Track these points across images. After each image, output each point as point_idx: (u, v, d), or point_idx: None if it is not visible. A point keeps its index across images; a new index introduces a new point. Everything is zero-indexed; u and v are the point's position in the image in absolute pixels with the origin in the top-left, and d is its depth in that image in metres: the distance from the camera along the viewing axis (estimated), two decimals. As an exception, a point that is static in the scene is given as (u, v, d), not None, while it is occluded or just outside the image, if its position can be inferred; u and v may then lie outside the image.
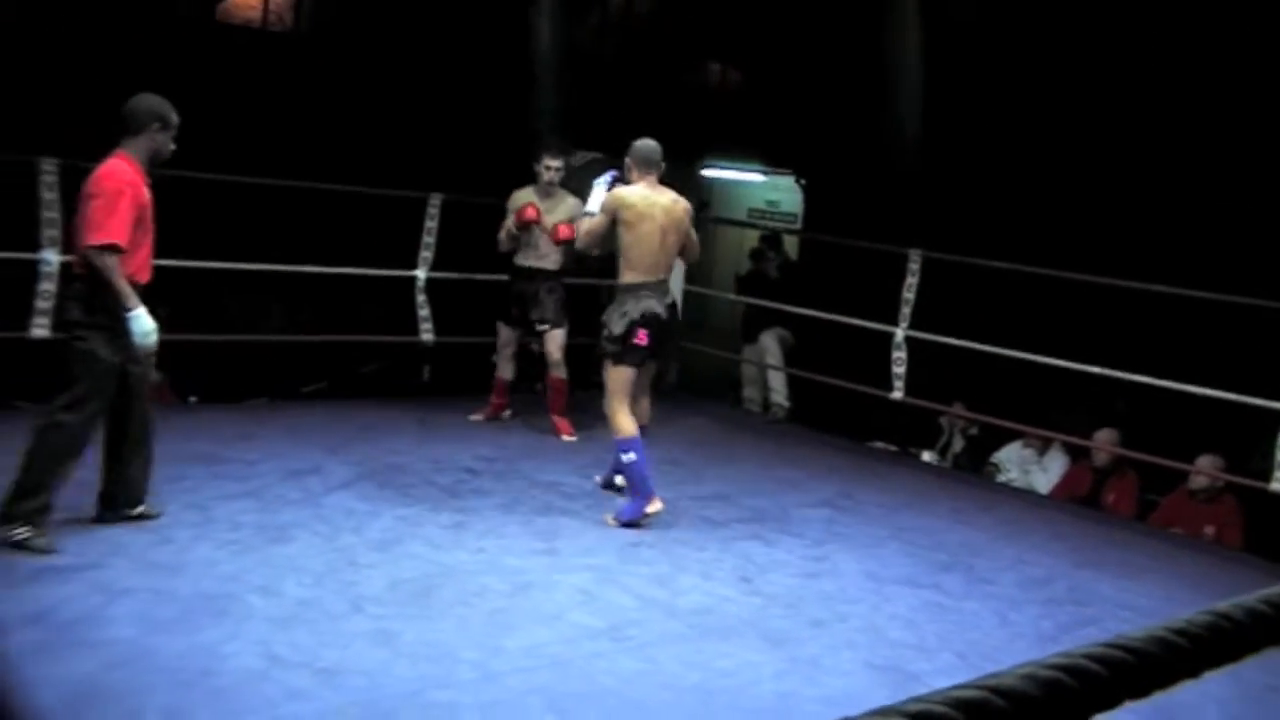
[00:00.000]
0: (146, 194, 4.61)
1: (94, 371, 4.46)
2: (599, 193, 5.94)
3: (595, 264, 7.43)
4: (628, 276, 5.71)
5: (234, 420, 6.86)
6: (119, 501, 4.78)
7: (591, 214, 5.91)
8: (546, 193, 7.22)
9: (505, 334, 7.35)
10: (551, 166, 7.23)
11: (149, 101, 4.66)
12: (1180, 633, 0.74)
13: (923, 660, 4.33)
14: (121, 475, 4.76)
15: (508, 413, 7.53)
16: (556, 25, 9.31)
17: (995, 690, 0.65)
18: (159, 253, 7.09)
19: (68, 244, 6.47)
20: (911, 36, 9.10)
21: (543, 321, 7.25)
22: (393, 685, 3.65)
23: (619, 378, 5.64)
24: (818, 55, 10.80)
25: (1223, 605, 0.82)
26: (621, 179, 5.96)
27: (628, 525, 5.50)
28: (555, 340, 7.25)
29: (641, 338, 5.64)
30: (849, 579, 5.17)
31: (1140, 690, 0.72)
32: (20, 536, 4.32)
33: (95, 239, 4.40)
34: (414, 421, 7.23)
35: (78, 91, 9.07)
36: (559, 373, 7.27)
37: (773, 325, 9.63)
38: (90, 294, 4.44)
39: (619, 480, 5.93)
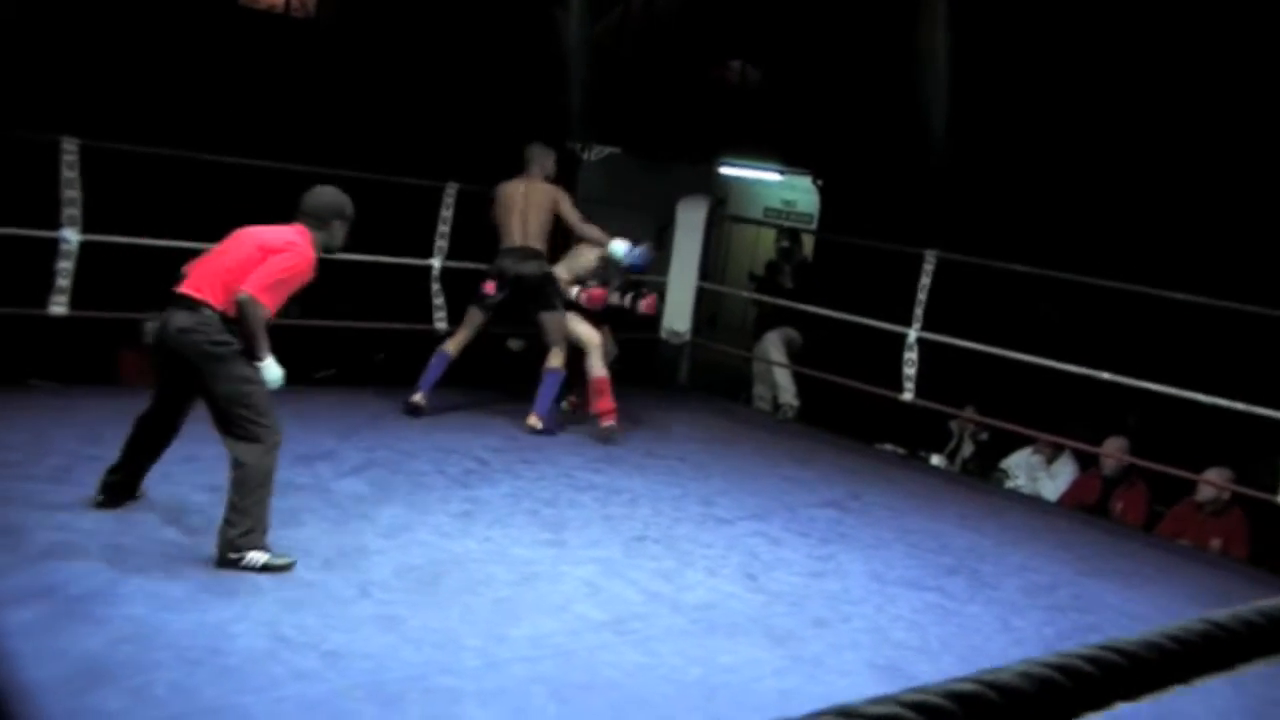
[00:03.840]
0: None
1: (251, 394, 4.43)
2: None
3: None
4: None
5: (246, 403, 6.87)
6: (129, 494, 4.82)
7: None
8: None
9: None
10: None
11: (335, 197, 4.78)
12: (1174, 639, 0.76)
13: (925, 662, 4.35)
14: (143, 471, 4.82)
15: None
16: (580, 21, 9.33)
17: (990, 684, 0.67)
18: (178, 233, 7.18)
19: (88, 223, 6.53)
20: (940, 38, 9.10)
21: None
22: (398, 669, 3.68)
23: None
24: (837, 56, 10.80)
25: (1218, 614, 0.83)
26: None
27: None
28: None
29: (488, 288, 7.22)
30: (854, 579, 5.19)
31: (1132, 693, 0.74)
32: (261, 561, 4.31)
33: (258, 292, 4.38)
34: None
35: (101, 72, 9.12)
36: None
37: (781, 325, 9.63)
38: (224, 327, 4.40)
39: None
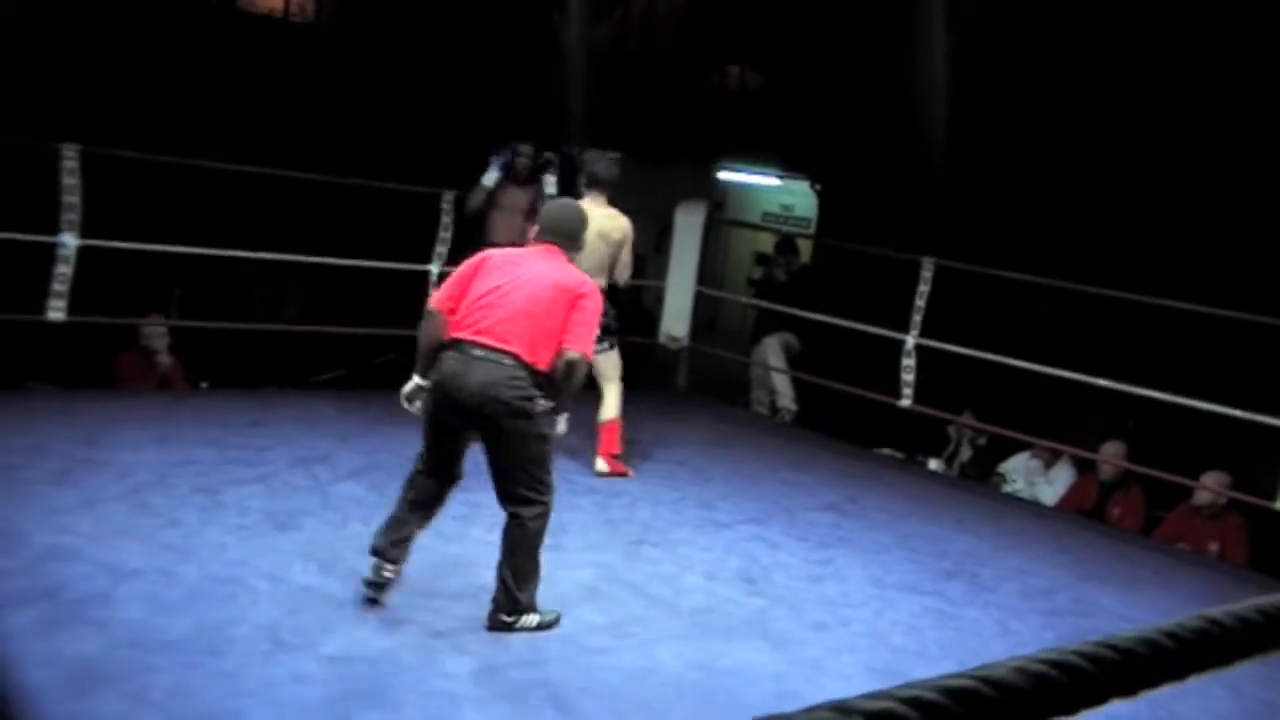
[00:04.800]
0: None
1: (547, 453, 4.18)
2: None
3: None
4: None
5: (245, 406, 6.89)
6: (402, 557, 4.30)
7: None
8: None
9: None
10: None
11: (579, 213, 4.47)
12: (1170, 635, 0.76)
13: (923, 666, 4.35)
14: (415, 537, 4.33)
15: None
16: (580, 26, 9.35)
17: (986, 680, 0.67)
18: (181, 238, 7.19)
19: (86, 228, 6.53)
20: (938, 44, 9.12)
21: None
22: (396, 674, 3.68)
23: None
24: (837, 61, 10.81)
25: (1214, 611, 0.84)
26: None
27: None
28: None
29: None
30: (852, 584, 5.19)
31: (1128, 689, 0.74)
32: (535, 622, 4.17)
33: (585, 349, 4.12)
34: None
35: (102, 77, 9.13)
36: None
37: (778, 329, 9.64)
38: (534, 382, 4.03)
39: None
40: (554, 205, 4.53)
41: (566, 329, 4.07)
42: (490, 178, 7.53)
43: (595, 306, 4.18)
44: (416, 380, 4.21)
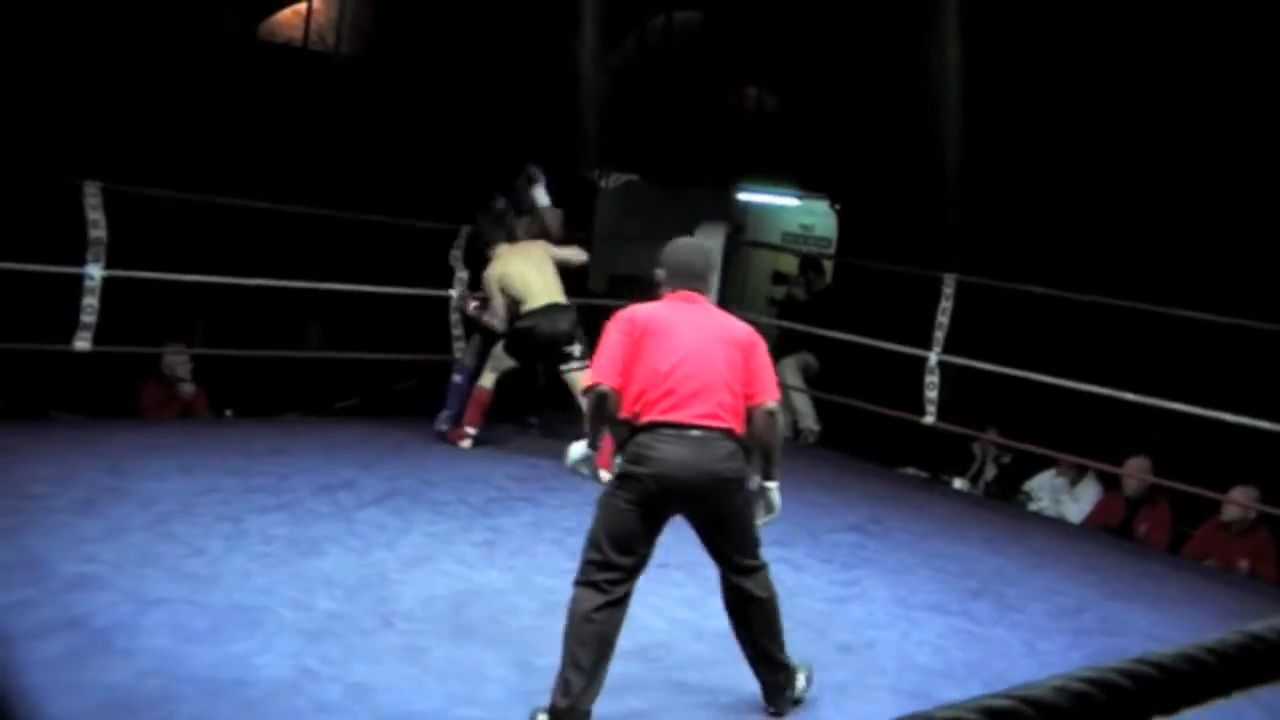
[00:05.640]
0: None
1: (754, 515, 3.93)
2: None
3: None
4: None
5: (268, 434, 6.91)
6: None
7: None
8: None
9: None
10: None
11: (707, 253, 4.19)
12: (1212, 652, 0.75)
13: (951, 688, 4.31)
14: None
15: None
16: (596, 49, 9.39)
17: (1025, 700, 0.66)
18: (200, 268, 7.23)
19: (113, 258, 6.58)
20: (954, 62, 9.12)
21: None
22: (422, 702, 3.67)
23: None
24: (853, 80, 10.82)
25: (1257, 626, 0.82)
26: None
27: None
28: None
29: None
30: (877, 604, 5.16)
31: (1169, 707, 0.73)
32: (803, 682, 3.99)
33: (776, 395, 3.93)
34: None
35: (124, 107, 9.20)
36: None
37: (797, 349, 9.62)
38: (741, 450, 3.81)
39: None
40: (679, 246, 4.11)
41: (750, 381, 3.85)
42: (543, 196, 7.46)
43: (765, 349, 3.98)
44: (586, 448, 4.00)
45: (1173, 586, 6.13)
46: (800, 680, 3.98)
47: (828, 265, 10.94)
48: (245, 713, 3.44)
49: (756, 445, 3.87)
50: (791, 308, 9.92)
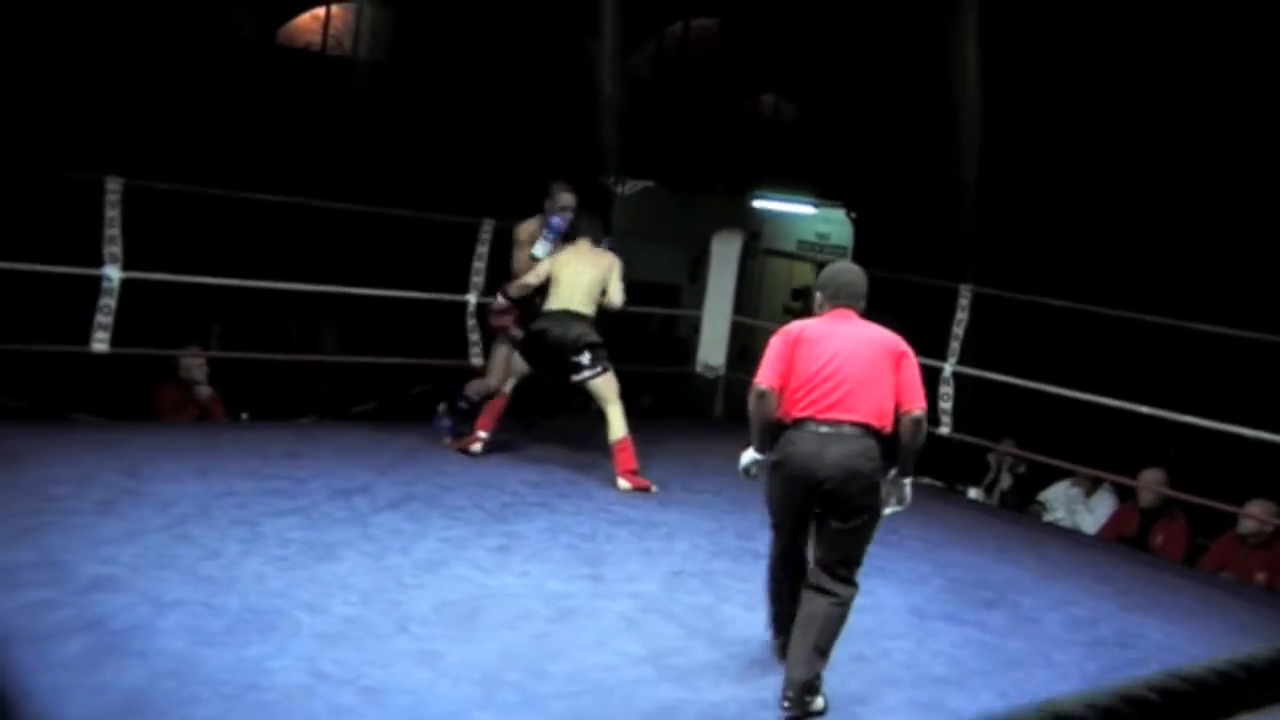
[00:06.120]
0: None
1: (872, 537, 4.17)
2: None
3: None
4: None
5: (284, 438, 6.93)
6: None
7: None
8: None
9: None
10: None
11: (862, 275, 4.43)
12: (1242, 666, 0.75)
13: (964, 698, 4.30)
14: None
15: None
16: (615, 56, 9.40)
17: (1055, 714, 0.66)
18: (216, 270, 7.26)
19: (128, 260, 6.62)
20: (973, 71, 9.11)
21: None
22: (436, 705, 3.67)
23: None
24: (872, 89, 10.82)
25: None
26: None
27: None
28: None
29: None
30: (892, 614, 5.14)
31: (1199, 722, 0.73)
32: (822, 705, 4.03)
33: (923, 404, 4.19)
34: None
35: (143, 111, 9.24)
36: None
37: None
38: (882, 451, 4.09)
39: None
40: (842, 269, 4.48)
41: (900, 389, 4.13)
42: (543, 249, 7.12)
43: (915, 360, 4.23)
44: (755, 454, 4.25)
45: (1188, 599, 6.11)
46: (820, 701, 4.00)
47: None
48: (260, 715, 3.45)
49: (901, 446, 4.15)
50: (807, 314, 9.91)
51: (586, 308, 6.83)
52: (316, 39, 11.83)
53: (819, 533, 4.12)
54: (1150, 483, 7.31)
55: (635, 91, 11.66)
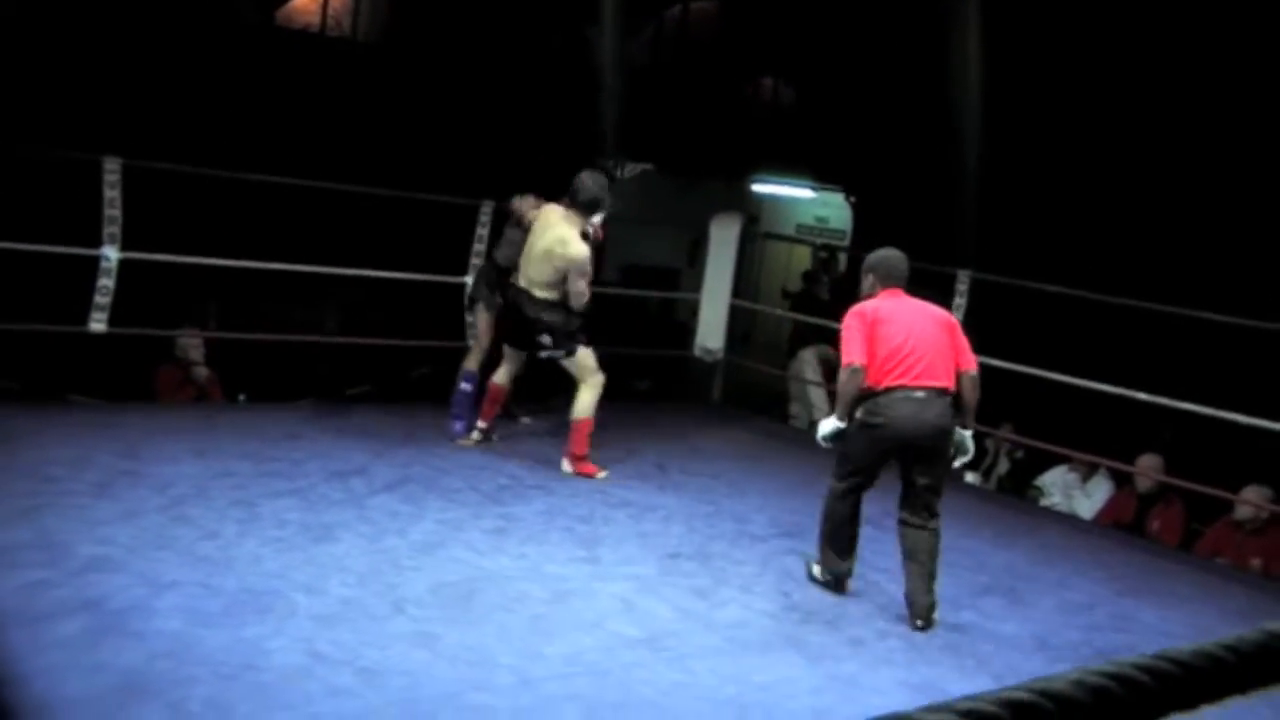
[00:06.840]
0: None
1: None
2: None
3: None
4: None
5: (281, 420, 6.93)
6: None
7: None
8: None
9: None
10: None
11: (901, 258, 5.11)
12: (1231, 649, 0.75)
13: (961, 681, 4.31)
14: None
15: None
16: (614, 40, 9.37)
17: (1044, 694, 0.67)
18: (214, 251, 7.26)
19: (127, 241, 6.61)
20: (973, 56, 9.09)
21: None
22: (432, 687, 3.68)
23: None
24: (870, 73, 10.80)
25: (1277, 625, 0.82)
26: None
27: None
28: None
29: None
30: (889, 597, 5.15)
31: (1188, 704, 0.73)
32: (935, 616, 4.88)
33: (975, 364, 4.96)
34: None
35: (141, 92, 9.22)
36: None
37: (816, 342, 9.62)
38: (954, 405, 4.86)
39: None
40: (888, 255, 5.09)
41: (958, 351, 4.89)
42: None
43: (961, 328, 5.00)
44: (837, 424, 4.92)
45: (1183, 584, 6.12)
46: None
47: (842, 258, 10.93)
48: (257, 696, 3.46)
49: (964, 401, 4.88)
50: (806, 300, 9.91)
51: (540, 290, 6.45)
52: (315, 20, 11.79)
53: (907, 480, 4.87)
54: (1147, 468, 7.32)
55: (634, 75, 11.63)
